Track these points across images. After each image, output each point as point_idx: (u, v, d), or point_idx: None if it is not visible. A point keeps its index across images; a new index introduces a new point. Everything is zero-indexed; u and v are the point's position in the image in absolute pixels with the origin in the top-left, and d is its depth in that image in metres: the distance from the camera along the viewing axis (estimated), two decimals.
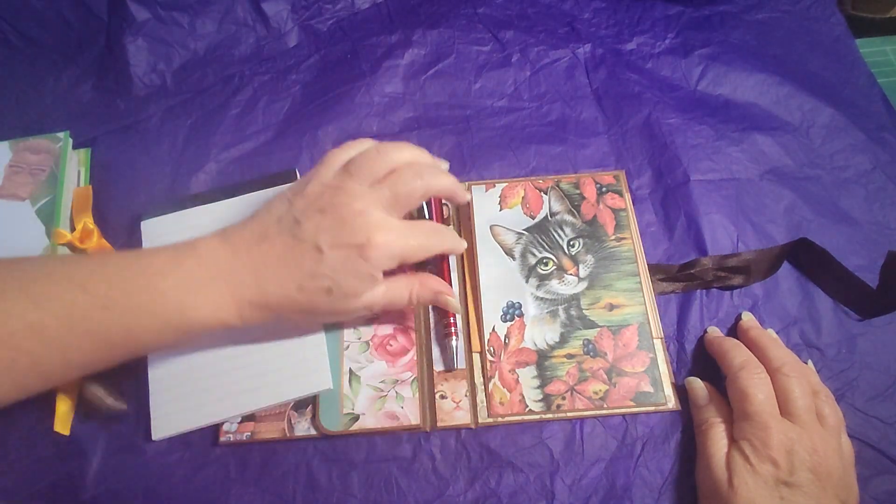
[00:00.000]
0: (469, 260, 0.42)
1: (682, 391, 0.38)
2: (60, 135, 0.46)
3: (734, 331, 0.40)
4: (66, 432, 0.37)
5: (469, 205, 0.44)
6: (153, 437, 0.36)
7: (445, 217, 0.44)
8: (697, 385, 0.37)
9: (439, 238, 0.37)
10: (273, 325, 0.36)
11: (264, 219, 0.35)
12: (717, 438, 0.34)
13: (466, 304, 0.41)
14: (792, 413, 0.33)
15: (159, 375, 0.38)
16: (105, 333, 0.32)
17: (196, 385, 0.38)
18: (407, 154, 0.36)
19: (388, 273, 0.35)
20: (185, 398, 0.37)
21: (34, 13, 0.51)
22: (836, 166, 0.46)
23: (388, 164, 0.35)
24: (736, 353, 0.36)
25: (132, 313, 0.32)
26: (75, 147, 0.47)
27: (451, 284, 0.41)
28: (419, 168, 0.35)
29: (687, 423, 0.37)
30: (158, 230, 0.43)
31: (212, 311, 0.33)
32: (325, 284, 0.33)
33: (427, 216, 0.43)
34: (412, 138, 0.48)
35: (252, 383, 0.38)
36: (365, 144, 0.37)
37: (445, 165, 0.39)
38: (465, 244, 0.39)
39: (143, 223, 0.43)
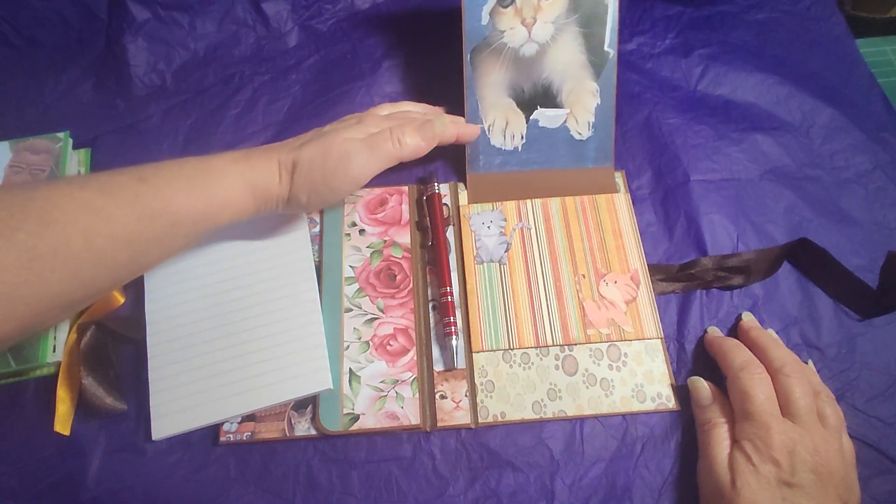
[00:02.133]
0: (468, 261, 0.42)
1: (681, 391, 0.38)
2: (60, 135, 0.46)
3: (734, 331, 0.40)
4: (67, 432, 0.37)
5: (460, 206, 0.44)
6: (153, 437, 0.36)
7: (446, 217, 0.44)
8: (701, 385, 0.37)
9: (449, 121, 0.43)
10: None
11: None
12: (720, 439, 0.34)
13: (466, 304, 0.41)
14: (793, 413, 0.33)
15: (159, 375, 0.38)
16: (145, 203, 0.34)
17: (196, 385, 0.38)
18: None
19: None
20: (185, 398, 0.37)
21: (34, 13, 0.51)
22: (836, 166, 0.46)
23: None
24: (736, 354, 0.36)
25: (169, 186, 0.35)
26: (75, 147, 0.47)
27: (450, 284, 0.41)
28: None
29: (687, 423, 0.37)
30: None
31: (252, 171, 0.36)
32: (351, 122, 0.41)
33: (427, 216, 0.43)
34: None
35: (252, 383, 0.38)
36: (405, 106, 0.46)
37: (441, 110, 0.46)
38: (475, 129, 0.45)
39: None
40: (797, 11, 0.55)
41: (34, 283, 0.30)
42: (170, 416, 0.37)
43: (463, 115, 0.45)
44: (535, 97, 0.45)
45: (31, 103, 0.50)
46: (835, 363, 0.39)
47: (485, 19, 0.44)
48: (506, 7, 0.43)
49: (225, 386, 0.38)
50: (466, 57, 0.44)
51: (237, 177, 0.36)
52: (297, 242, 0.42)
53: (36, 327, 0.32)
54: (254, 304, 0.40)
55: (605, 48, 0.44)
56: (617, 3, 0.43)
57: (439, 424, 0.37)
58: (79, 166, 0.46)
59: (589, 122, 0.45)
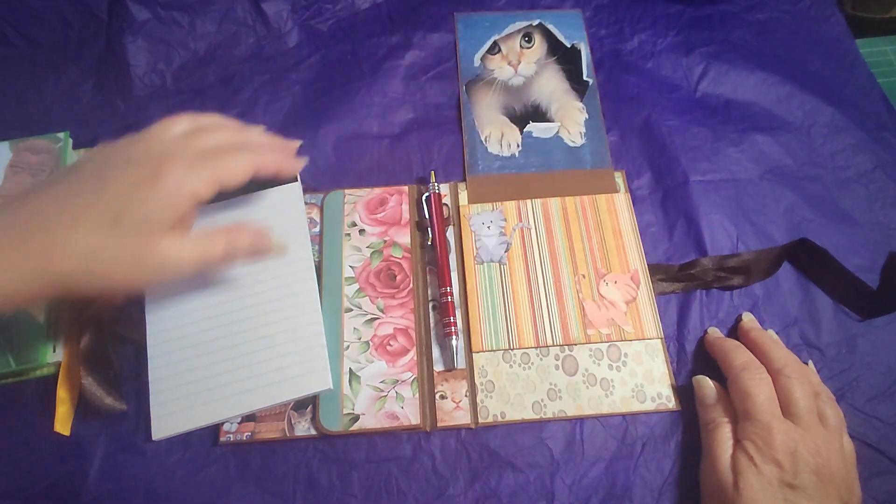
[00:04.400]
0: (468, 261, 0.42)
1: (682, 391, 0.38)
2: (60, 135, 0.46)
3: (734, 331, 0.40)
4: (67, 433, 0.37)
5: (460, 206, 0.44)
6: (153, 437, 0.36)
7: (445, 217, 0.44)
8: (706, 383, 0.37)
9: (250, 156, 0.34)
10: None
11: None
12: (724, 439, 0.34)
13: (466, 304, 0.41)
14: (794, 414, 0.33)
15: (159, 375, 0.38)
16: None
17: (196, 385, 0.38)
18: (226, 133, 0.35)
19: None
20: (185, 398, 0.37)
21: (34, 13, 0.51)
22: (837, 166, 0.46)
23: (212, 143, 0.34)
24: (737, 355, 0.36)
25: None
26: (75, 147, 0.47)
27: (450, 284, 0.41)
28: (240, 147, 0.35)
29: (687, 423, 0.37)
30: None
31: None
32: (111, 210, 0.29)
33: (427, 216, 0.43)
34: (412, 139, 0.48)
35: (252, 383, 0.38)
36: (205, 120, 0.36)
37: (258, 130, 0.38)
38: (297, 164, 0.38)
39: None
40: (797, 11, 0.55)
41: None
42: (170, 417, 0.37)
43: (461, 128, 0.47)
44: (527, 114, 0.49)
45: (31, 103, 0.50)
46: (835, 363, 0.39)
47: (476, 62, 0.52)
48: (494, 54, 0.52)
49: (225, 386, 0.38)
50: (462, 88, 0.50)
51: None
52: (297, 243, 0.42)
53: None
54: (254, 304, 0.40)
55: (585, 78, 0.51)
56: (588, 47, 0.52)
57: (439, 424, 0.37)
58: None
59: (581, 133, 0.48)
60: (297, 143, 0.39)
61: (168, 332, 0.39)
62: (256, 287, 0.40)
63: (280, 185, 0.43)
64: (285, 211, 0.43)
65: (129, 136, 0.34)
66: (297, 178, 0.44)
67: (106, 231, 0.29)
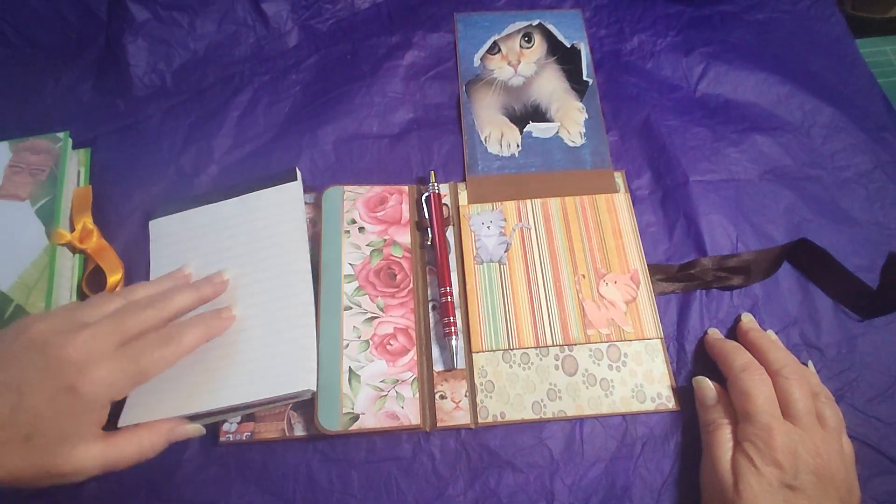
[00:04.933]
0: (467, 261, 0.42)
1: (682, 391, 0.38)
2: (60, 135, 0.46)
3: (734, 331, 0.40)
4: None
5: (457, 207, 0.44)
6: (118, 425, 0.35)
7: (445, 217, 0.44)
8: (706, 384, 0.36)
9: (176, 344, 0.34)
10: None
11: None
12: (724, 440, 0.34)
13: (466, 304, 0.41)
14: (793, 416, 0.33)
15: None
16: None
17: (175, 375, 0.35)
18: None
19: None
20: (163, 386, 0.35)
21: (34, 13, 0.51)
22: (837, 166, 0.46)
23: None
24: (737, 356, 0.36)
25: None
26: (75, 147, 0.47)
27: (450, 284, 0.41)
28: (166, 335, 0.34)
29: (687, 423, 0.37)
30: (165, 230, 0.43)
31: None
32: (23, 431, 0.29)
33: (427, 216, 0.43)
34: (412, 139, 0.48)
35: (234, 379, 0.36)
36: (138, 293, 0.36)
37: (223, 277, 0.39)
38: (224, 324, 0.37)
39: (150, 223, 0.44)
40: (797, 11, 0.55)
41: None
42: (143, 406, 0.35)
43: (461, 128, 0.47)
44: (527, 114, 0.49)
45: (31, 103, 0.50)
46: (835, 363, 0.39)
47: (476, 62, 0.52)
48: (494, 54, 0.52)
49: (203, 378, 0.36)
50: (462, 88, 0.50)
51: None
52: (295, 244, 0.42)
53: None
54: (247, 303, 0.39)
55: (584, 78, 0.51)
56: (588, 47, 0.52)
57: (439, 424, 0.37)
58: (79, 166, 0.46)
59: (581, 133, 0.48)
60: (224, 278, 0.39)
61: None
62: (252, 287, 0.40)
63: (280, 184, 0.43)
64: (284, 211, 0.43)
65: (55, 314, 0.33)
66: (297, 176, 0.44)
67: (15, 450, 0.29)
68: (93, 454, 0.31)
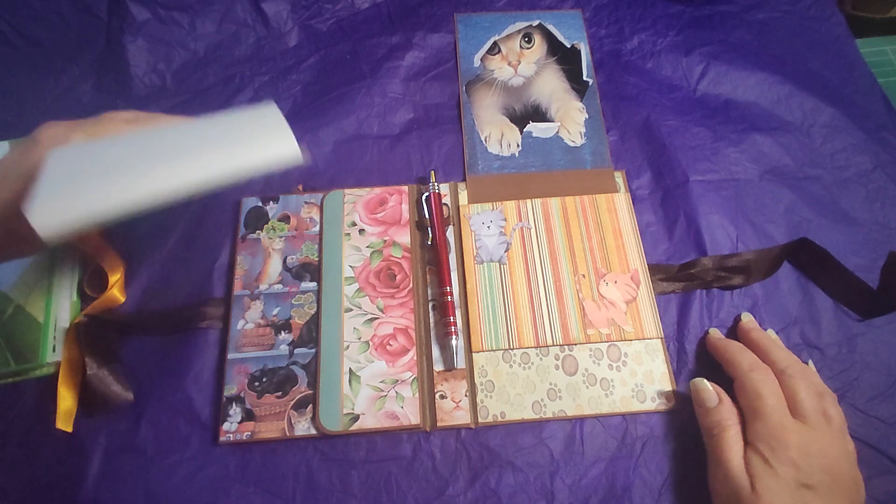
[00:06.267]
0: (468, 261, 0.42)
1: (682, 391, 0.38)
2: None
3: (734, 331, 0.40)
4: (69, 429, 0.37)
5: (458, 207, 0.44)
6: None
7: (445, 217, 0.44)
8: (704, 386, 0.36)
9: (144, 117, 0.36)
10: None
11: None
12: (733, 442, 0.33)
13: (466, 304, 0.41)
14: (801, 414, 0.33)
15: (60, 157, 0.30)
16: None
17: (104, 165, 0.29)
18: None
19: None
20: (87, 173, 0.29)
21: (34, 13, 0.51)
22: (837, 166, 0.46)
23: None
24: (744, 356, 0.36)
25: None
26: None
27: (450, 284, 0.41)
28: None
29: (687, 424, 0.37)
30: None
31: None
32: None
33: (427, 216, 0.43)
34: (412, 139, 0.48)
35: (194, 152, 0.31)
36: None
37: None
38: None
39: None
40: (797, 11, 0.55)
41: None
42: (64, 201, 0.27)
43: (461, 128, 0.47)
44: (527, 114, 0.49)
45: (31, 103, 0.50)
46: (835, 363, 0.39)
47: (476, 63, 0.52)
48: (494, 54, 0.52)
49: (157, 152, 0.30)
50: (462, 88, 0.50)
51: None
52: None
53: None
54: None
55: (584, 78, 0.51)
56: (588, 47, 0.52)
57: (439, 424, 0.37)
58: None
59: (581, 132, 0.48)
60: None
61: None
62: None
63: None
64: (266, 124, 0.36)
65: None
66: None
67: None
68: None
